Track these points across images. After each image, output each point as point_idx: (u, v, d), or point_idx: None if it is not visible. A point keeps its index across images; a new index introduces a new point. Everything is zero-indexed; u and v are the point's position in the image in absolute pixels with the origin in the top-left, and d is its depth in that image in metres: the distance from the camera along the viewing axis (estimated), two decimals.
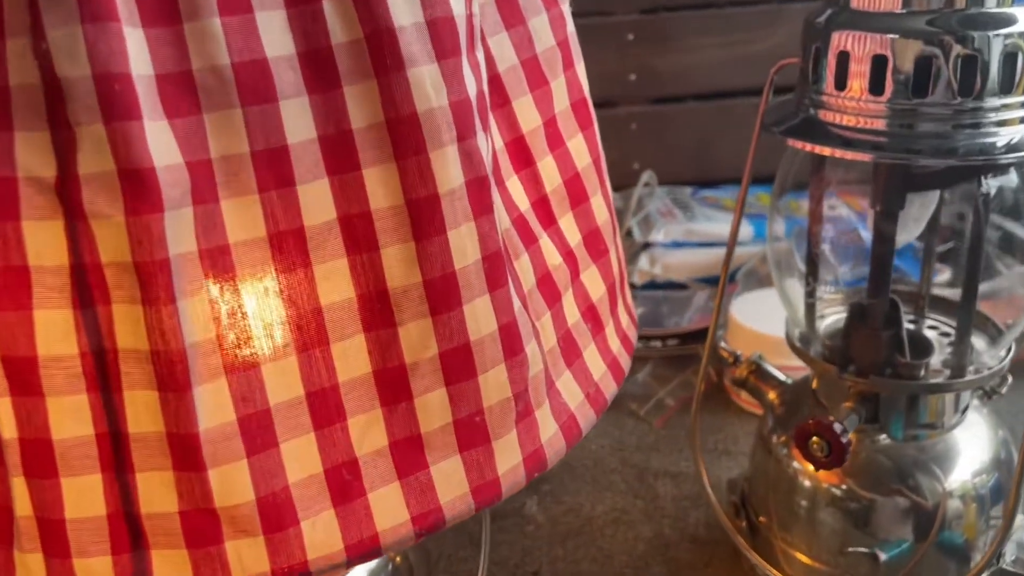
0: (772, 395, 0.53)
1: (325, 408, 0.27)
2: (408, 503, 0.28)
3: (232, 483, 0.25)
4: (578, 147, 0.36)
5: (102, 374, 0.25)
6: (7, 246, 0.24)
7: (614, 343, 0.38)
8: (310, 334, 0.27)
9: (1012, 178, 0.44)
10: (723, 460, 0.64)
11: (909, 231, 0.46)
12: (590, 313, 0.36)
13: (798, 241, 0.53)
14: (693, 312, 0.75)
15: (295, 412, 0.26)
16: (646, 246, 0.83)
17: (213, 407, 0.25)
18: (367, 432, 0.28)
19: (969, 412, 0.49)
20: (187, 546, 0.26)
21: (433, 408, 0.28)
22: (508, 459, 0.30)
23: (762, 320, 0.67)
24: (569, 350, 0.34)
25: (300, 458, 0.27)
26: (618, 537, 0.57)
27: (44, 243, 0.24)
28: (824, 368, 0.47)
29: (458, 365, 0.28)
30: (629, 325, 0.41)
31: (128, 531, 0.26)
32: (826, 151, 0.42)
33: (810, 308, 0.49)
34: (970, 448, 0.48)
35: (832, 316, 0.52)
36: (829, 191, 0.48)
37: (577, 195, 0.36)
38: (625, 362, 0.39)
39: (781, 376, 0.54)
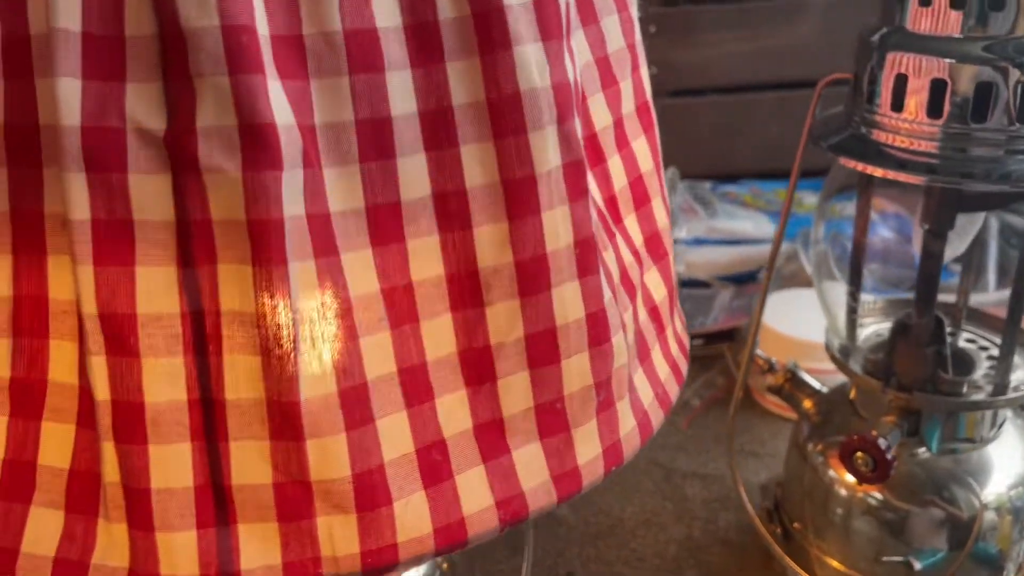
0: (808, 404, 0.54)
1: (416, 386, 0.26)
2: (492, 487, 0.28)
3: (330, 456, 0.25)
4: (642, 149, 0.36)
5: (200, 337, 0.24)
6: (112, 198, 0.23)
7: (674, 347, 0.38)
8: (402, 310, 0.26)
9: None
10: (750, 462, 0.65)
11: (954, 248, 0.47)
12: (654, 314, 0.36)
13: (834, 244, 0.53)
14: (718, 312, 0.76)
15: (389, 388, 0.26)
16: None
17: (315, 377, 0.25)
18: (453, 413, 0.27)
19: (1005, 426, 0.49)
20: (278, 519, 0.25)
21: (515, 391, 0.28)
22: (588, 450, 0.30)
23: (788, 322, 0.68)
24: (641, 348, 0.34)
25: (394, 436, 0.26)
26: (649, 539, 0.58)
27: (150, 197, 0.23)
28: (866, 382, 0.48)
29: (542, 349, 0.28)
30: (683, 330, 0.41)
31: (215, 504, 0.25)
32: (879, 172, 0.42)
33: (851, 320, 0.50)
34: (1006, 461, 0.48)
35: (872, 326, 0.52)
36: (877, 207, 0.48)
37: (640, 197, 0.36)
38: (683, 366, 0.39)
39: (816, 384, 0.54)
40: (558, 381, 0.29)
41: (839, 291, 0.51)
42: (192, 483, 0.25)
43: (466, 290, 0.27)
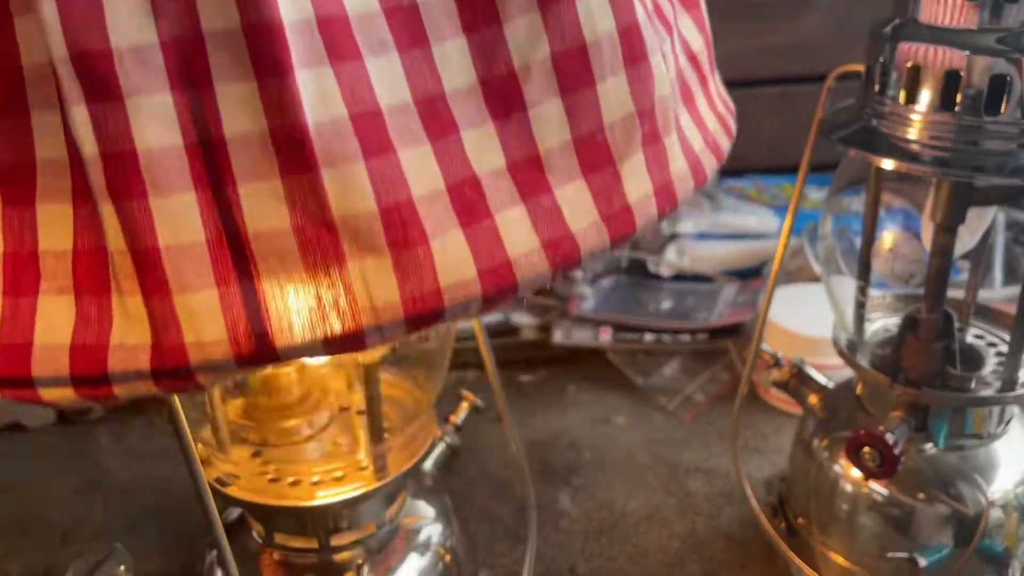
0: (814, 399, 0.53)
1: (436, 119, 0.24)
2: (536, 227, 0.25)
3: (350, 187, 0.22)
4: None
5: (187, 66, 0.22)
6: None
7: (718, 102, 0.36)
8: (408, 31, 0.24)
9: None
10: (754, 457, 0.64)
11: (964, 243, 0.46)
12: (694, 61, 0.34)
13: (841, 238, 0.53)
14: (722, 307, 0.75)
15: (406, 118, 0.23)
16: (673, 237, 0.83)
17: (320, 97, 0.22)
18: (483, 149, 0.25)
19: (1012, 423, 0.49)
20: (304, 268, 0.23)
21: (549, 122, 0.25)
22: (638, 186, 0.27)
23: (793, 317, 0.67)
24: (684, 92, 0.31)
25: (419, 170, 0.24)
26: (652, 534, 0.58)
27: None
28: (874, 377, 0.47)
29: (573, 69, 0.25)
30: (725, 92, 0.39)
31: (232, 256, 0.22)
32: (890, 165, 0.42)
33: (859, 315, 0.50)
34: (1013, 458, 0.48)
35: (879, 321, 0.52)
36: (886, 202, 0.48)
37: None
38: (731, 124, 0.36)
39: (822, 380, 0.54)
40: (596, 108, 0.26)
41: (847, 286, 0.51)
42: (204, 236, 0.22)
43: (478, 5, 0.24)
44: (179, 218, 0.22)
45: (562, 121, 0.26)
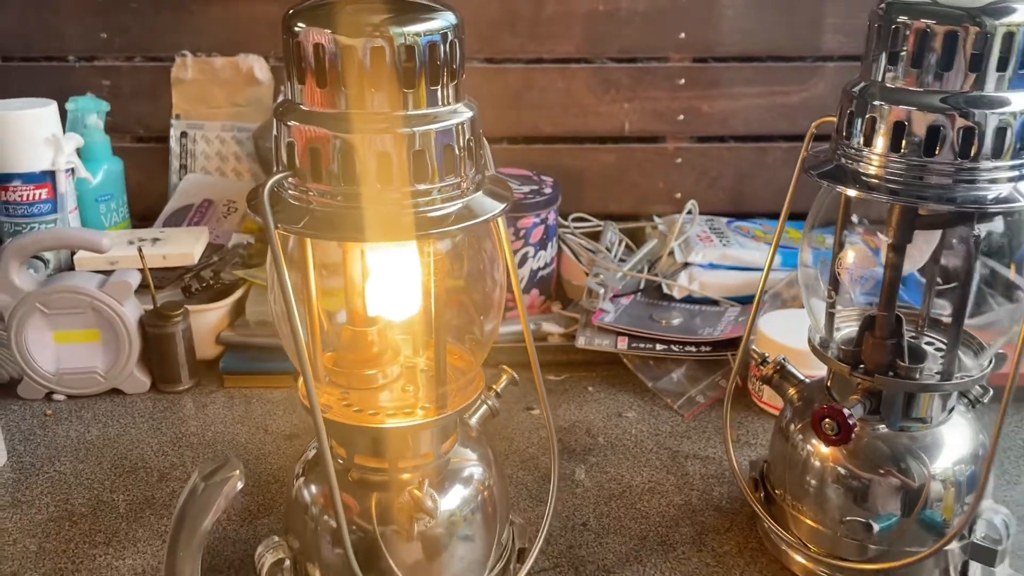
0: (792, 391, 0.64)
1: None
2: None
3: None
4: None
5: None
6: None
7: None
8: None
9: (999, 225, 0.55)
10: (744, 450, 0.75)
11: (915, 261, 0.57)
12: None
13: (822, 268, 0.64)
14: (724, 325, 0.86)
15: None
16: (686, 265, 0.94)
17: None
18: None
19: (955, 414, 0.59)
20: None
21: None
22: None
23: (785, 334, 0.78)
24: None
25: None
26: (653, 503, 0.68)
27: None
28: (838, 367, 0.58)
29: None
30: None
31: None
32: (853, 193, 0.53)
33: (830, 318, 0.61)
34: (953, 442, 0.58)
35: (846, 328, 0.63)
36: (851, 228, 0.59)
37: None
38: None
39: (801, 375, 0.65)
40: None
41: (822, 305, 0.62)
42: None
43: None
44: None
45: None
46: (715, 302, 0.91)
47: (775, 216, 1.07)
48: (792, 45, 1.07)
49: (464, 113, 0.47)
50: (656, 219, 1.09)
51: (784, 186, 0.62)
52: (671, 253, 0.98)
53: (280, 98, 1.01)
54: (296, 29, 0.44)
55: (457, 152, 0.46)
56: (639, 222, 1.10)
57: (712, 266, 0.94)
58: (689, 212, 1.03)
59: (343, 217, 0.45)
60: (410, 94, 0.44)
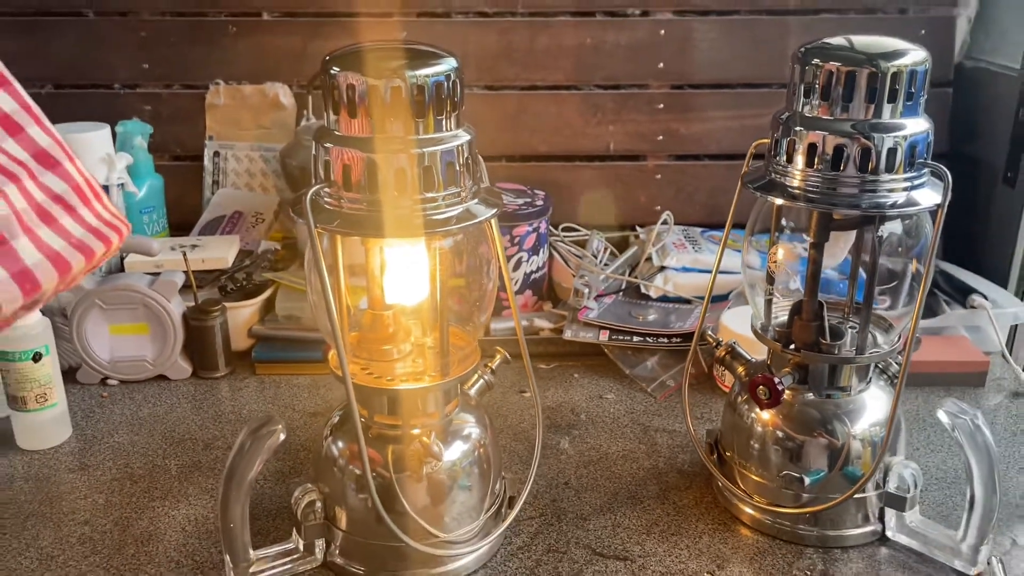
0: (740, 369, 0.76)
1: None
2: None
3: None
4: (3, 99, 0.53)
5: None
6: None
7: (93, 220, 0.55)
8: None
9: (898, 226, 0.67)
10: (705, 424, 0.87)
11: (835, 257, 0.70)
12: (59, 200, 0.54)
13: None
14: (693, 320, 0.98)
15: None
16: (662, 268, 1.06)
17: None
18: None
19: (872, 386, 0.71)
20: None
21: None
22: None
23: (743, 326, 0.90)
24: (42, 216, 0.52)
25: None
26: (626, 466, 0.80)
27: None
28: (773, 345, 0.70)
29: None
30: (110, 214, 0.58)
31: None
32: (779, 201, 0.65)
33: (768, 306, 0.73)
34: (870, 408, 0.70)
35: (782, 316, 0.75)
36: (783, 232, 0.71)
37: (11, 128, 0.52)
38: (108, 233, 0.56)
39: (749, 356, 0.76)
40: None
41: (762, 300, 0.74)
42: None
43: None
44: None
45: None
46: (687, 300, 1.03)
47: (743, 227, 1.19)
48: (759, 74, 1.19)
49: (463, 137, 0.59)
50: (637, 229, 1.21)
51: (752, 199, 0.74)
52: (649, 258, 1.10)
53: (303, 122, 1.14)
54: (332, 71, 0.56)
55: (457, 168, 0.58)
56: (622, 231, 1.22)
57: (685, 269, 1.06)
58: (664, 222, 1.15)
59: (367, 218, 0.57)
60: (420, 122, 0.57)
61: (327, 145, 0.58)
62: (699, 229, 1.18)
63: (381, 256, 0.64)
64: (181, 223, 1.17)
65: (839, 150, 0.62)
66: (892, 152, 0.62)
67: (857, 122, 0.62)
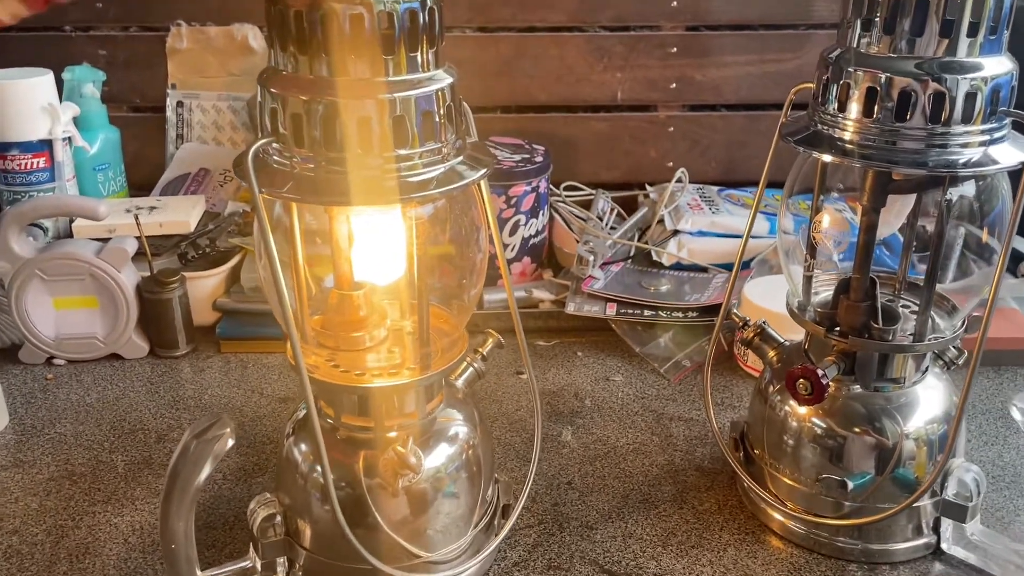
0: (772, 353, 0.65)
1: None
2: None
3: None
4: None
5: None
6: None
7: None
8: None
9: (970, 189, 0.56)
10: (728, 412, 0.77)
11: (890, 225, 0.59)
12: None
13: (803, 236, 0.65)
14: (711, 291, 0.88)
15: None
16: (675, 233, 0.95)
17: None
18: None
19: (929, 375, 0.61)
20: None
21: None
22: None
23: (769, 300, 0.80)
24: None
25: None
26: (637, 463, 0.70)
27: None
28: (814, 329, 0.59)
29: None
30: None
31: None
32: (828, 157, 0.54)
33: (807, 282, 0.62)
34: (926, 403, 0.60)
35: (824, 293, 0.64)
36: (829, 194, 0.60)
37: None
38: None
39: (781, 338, 0.66)
40: None
41: (800, 272, 0.63)
42: None
43: None
44: None
45: None
46: (703, 269, 0.93)
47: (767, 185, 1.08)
48: (784, 13, 1.07)
49: (444, 79, 0.48)
50: (648, 188, 1.10)
51: (776, 154, 0.63)
52: (661, 221, 0.99)
53: None
54: None
55: (437, 118, 0.47)
56: (631, 191, 1.11)
57: (701, 233, 0.95)
58: (679, 180, 1.04)
59: (326, 182, 0.46)
60: (390, 60, 0.45)
61: (272, 89, 0.46)
62: (716, 188, 1.07)
63: (348, 226, 0.53)
64: (143, 182, 1.06)
65: (905, 96, 0.51)
66: (970, 98, 0.50)
67: (925, 60, 0.51)
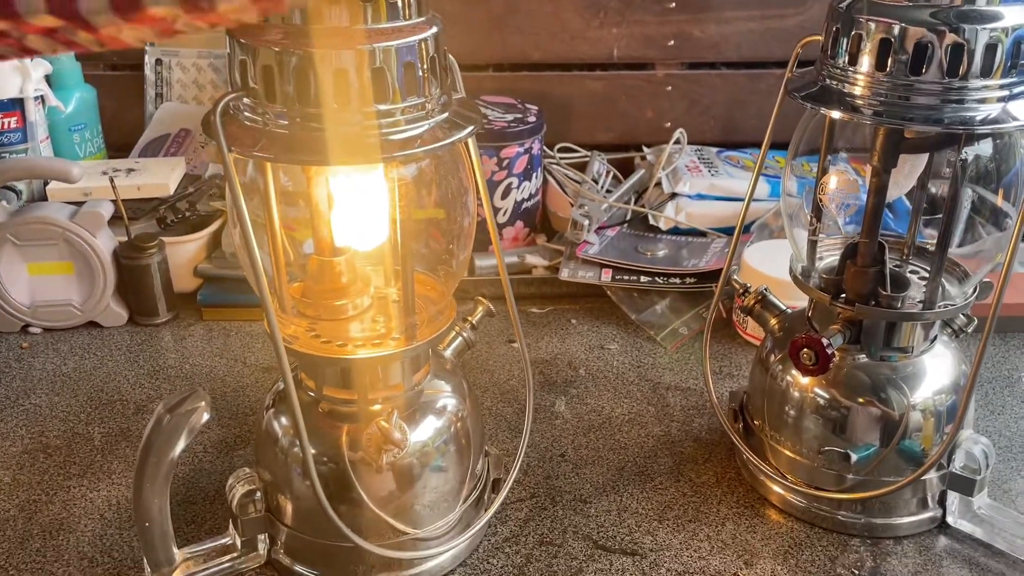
0: (773, 321, 0.63)
1: None
2: None
3: None
4: None
5: None
6: None
7: None
8: None
9: (987, 148, 0.53)
10: (727, 381, 0.74)
11: (900, 187, 0.56)
12: None
13: (806, 197, 0.62)
14: (710, 256, 0.85)
15: None
16: (673, 196, 0.92)
17: None
18: None
19: (937, 344, 0.58)
20: None
21: None
22: None
23: (770, 265, 0.77)
24: None
25: None
26: (632, 434, 0.68)
27: None
28: (819, 296, 0.57)
29: None
30: None
31: None
32: (836, 114, 0.51)
33: (812, 247, 0.59)
34: (934, 372, 0.57)
35: (829, 258, 0.61)
36: (837, 154, 0.57)
37: None
38: None
39: (783, 305, 0.63)
40: None
41: (804, 236, 0.60)
42: None
43: None
44: None
45: None
46: (702, 233, 0.90)
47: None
48: None
49: (427, 29, 0.44)
50: (644, 149, 1.06)
51: (792, 114, 0.59)
52: (658, 184, 0.95)
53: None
54: None
55: (420, 71, 0.44)
56: (627, 152, 1.07)
57: (700, 197, 0.92)
58: (677, 142, 1.01)
59: (300, 140, 0.43)
60: (368, 7, 0.42)
61: (242, 40, 0.43)
62: (715, 149, 1.03)
63: (327, 188, 0.50)
64: (121, 143, 1.02)
65: (921, 48, 0.47)
66: (990, 49, 0.47)
67: (942, 9, 0.47)
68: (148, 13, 0.29)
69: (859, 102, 0.50)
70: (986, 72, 0.48)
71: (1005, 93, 0.48)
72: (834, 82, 0.52)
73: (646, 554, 0.56)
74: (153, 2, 0.29)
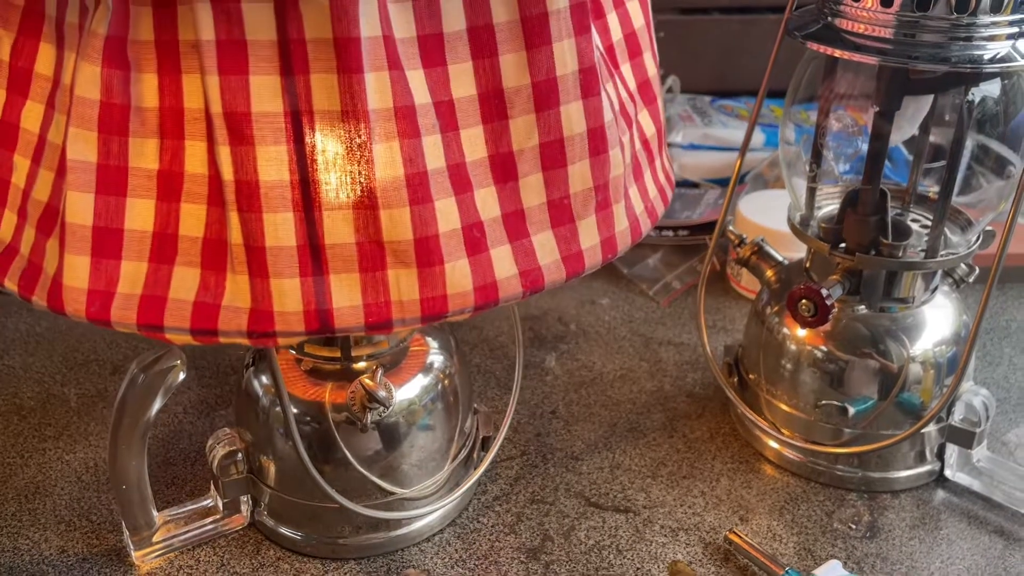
0: (770, 273, 0.61)
1: (460, 180, 0.35)
2: (517, 261, 0.36)
3: (398, 223, 0.34)
4: (635, 8, 0.43)
5: (298, 132, 0.32)
6: (231, 23, 0.31)
7: (660, 175, 0.47)
8: (447, 119, 0.34)
9: (995, 89, 0.51)
10: (720, 336, 0.73)
11: (903, 131, 0.54)
12: (646, 145, 0.44)
13: (805, 144, 0.60)
14: (703, 208, 0.83)
15: (441, 179, 0.34)
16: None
17: (387, 161, 0.33)
18: (487, 203, 0.36)
19: (938, 294, 0.57)
20: (359, 271, 0.34)
21: (532, 188, 0.37)
22: (589, 239, 0.38)
23: (765, 216, 0.75)
24: (635, 169, 0.43)
25: (446, 215, 0.34)
26: (624, 389, 0.66)
27: (258, 22, 0.31)
28: (818, 245, 0.55)
29: (553, 155, 0.36)
30: (669, 165, 0.49)
31: (312, 258, 0.33)
32: (838, 53, 0.49)
33: (811, 194, 0.57)
34: (935, 323, 0.56)
35: (829, 207, 0.59)
36: (836, 99, 0.55)
37: (633, 49, 0.43)
38: (668, 192, 0.47)
39: (779, 257, 0.61)
40: (565, 182, 0.37)
41: (804, 185, 0.58)
42: (295, 243, 0.33)
43: (494, 106, 0.35)
44: (281, 229, 0.33)
45: (541, 189, 0.37)
46: (695, 184, 0.88)
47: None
48: None
49: None
50: None
51: (789, 59, 0.57)
52: None
53: None
54: None
55: None
56: None
57: (693, 147, 0.89)
58: (670, 90, 0.98)
59: None
60: None
61: None
62: (708, 97, 1.01)
63: None
64: None
65: None
66: None
67: None
68: None
69: (861, 40, 0.48)
70: (996, 7, 0.45)
71: (1015, 30, 0.46)
72: (835, 19, 0.49)
73: (639, 511, 0.55)
74: None
